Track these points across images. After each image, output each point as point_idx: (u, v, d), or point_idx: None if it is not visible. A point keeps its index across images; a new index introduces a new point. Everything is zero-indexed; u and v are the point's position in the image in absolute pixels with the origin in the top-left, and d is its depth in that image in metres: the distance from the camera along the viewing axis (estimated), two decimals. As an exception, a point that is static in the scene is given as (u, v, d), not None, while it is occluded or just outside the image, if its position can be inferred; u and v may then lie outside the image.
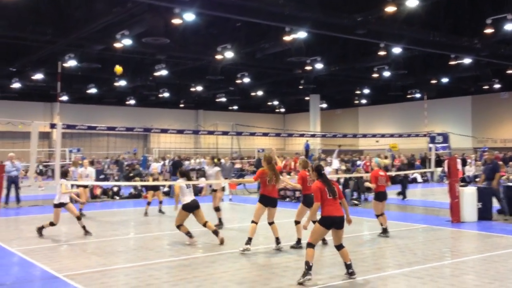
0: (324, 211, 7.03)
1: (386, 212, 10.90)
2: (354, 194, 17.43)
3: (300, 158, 12.06)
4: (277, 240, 9.19)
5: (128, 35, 19.12)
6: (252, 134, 12.43)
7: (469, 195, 12.67)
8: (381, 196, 10.72)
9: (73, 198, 11.39)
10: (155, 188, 15.42)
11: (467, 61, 25.28)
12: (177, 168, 22.11)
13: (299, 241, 9.30)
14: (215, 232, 9.88)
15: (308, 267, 6.85)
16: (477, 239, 10.77)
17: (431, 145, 14.95)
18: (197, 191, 20.72)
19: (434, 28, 19.72)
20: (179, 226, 9.88)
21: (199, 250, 9.50)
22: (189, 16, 16.86)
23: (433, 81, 32.77)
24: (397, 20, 18.41)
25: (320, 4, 17.20)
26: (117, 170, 27.01)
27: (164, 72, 27.27)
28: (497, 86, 32.78)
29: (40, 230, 10.75)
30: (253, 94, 39.24)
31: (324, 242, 9.47)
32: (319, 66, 26.19)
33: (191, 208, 9.79)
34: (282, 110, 51.53)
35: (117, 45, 20.65)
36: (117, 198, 19.30)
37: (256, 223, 9.06)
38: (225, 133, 12.61)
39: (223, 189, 13.21)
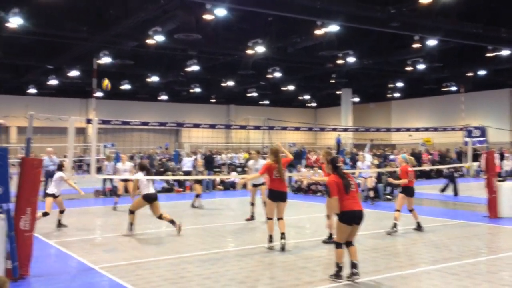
0: (342, 206, 6.66)
1: (419, 207, 10.72)
2: (387, 189, 17.18)
3: (324, 150, 11.82)
4: (282, 235, 8.78)
5: (160, 32, 19.36)
6: (284, 128, 12.38)
7: (507, 190, 12.32)
8: (409, 191, 10.51)
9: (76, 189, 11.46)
10: (200, 182, 15.36)
11: (505, 53, 24.49)
12: (209, 163, 22.39)
13: (330, 236, 9.22)
14: (172, 222, 10.37)
15: (339, 268, 6.65)
16: (516, 235, 10.47)
17: (467, 139, 14.59)
18: (229, 185, 20.95)
19: (470, 19, 19.20)
20: (131, 212, 10.38)
21: (230, 244, 9.56)
22: (221, 12, 16.91)
23: (469, 74, 31.91)
24: (432, 11, 18.01)
25: (353, -3, 17.00)
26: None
27: (195, 68, 27.50)
28: (536, 78, 31.71)
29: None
30: (284, 88, 39.11)
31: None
32: (351, 59, 25.88)
33: (151, 198, 10.28)
34: (314, 104, 51.19)
35: (150, 41, 20.95)
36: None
37: (271, 219, 8.91)
38: (257, 128, 12.58)
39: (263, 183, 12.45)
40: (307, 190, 18.67)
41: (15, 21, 17.53)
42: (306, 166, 22.85)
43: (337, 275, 6.69)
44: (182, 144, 41.15)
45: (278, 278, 6.98)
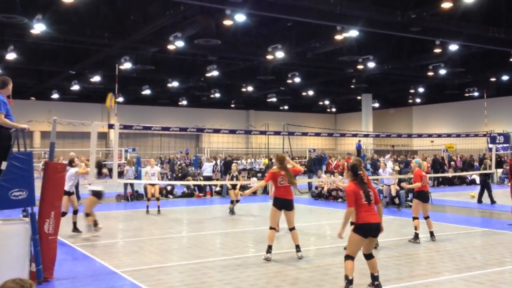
0: (359, 217, 6.30)
1: (443, 214, 10.53)
2: (409, 195, 16.97)
3: (353, 158, 11.75)
4: (297, 248, 8.44)
5: (180, 37, 19.53)
6: (304, 134, 12.37)
7: (532, 198, 12.04)
8: (423, 196, 10.26)
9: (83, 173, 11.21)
10: (234, 187, 15.12)
11: (529, 57, 24.12)
12: (228, 168, 22.39)
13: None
14: (95, 223, 10.57)
15: (348, 281, 6.25)
16: (542, 244, 10.22)
17: (491, 145, 14.35)
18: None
19: (493, 24, 18.92)
20: (87, 214, 10.45)
21: (251, 250, 9.54)
22: (240, 17, 17.00)
23: (492, 79, 31.43)
24: (454, 16, 17.82)
25: (373, 2, 16.89)
26: (169, 169, 27.59)
27: (215, 73, 27.65)
28: (562, 83, 31.06)
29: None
30: (304, 94, 39.06)
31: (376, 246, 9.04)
32: (371, 65, 25.74)
33: (101, 195, 10.56)
34: (334, 110, 50.99)
35: (170, 47, 21.16)
36: (171, 197, 19.71)
37: (274, 228, 8.50)
38: (277, 133, 12.59)
39: None
40: (328, 196, 18.56)
41: (38, 28, 17.88)
42: (326, 172, 22.74)
43: None
44: (203, 149, 41.39)
45: (299, 285, 6.93)
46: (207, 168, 21.20)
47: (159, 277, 7.34)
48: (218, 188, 20.92)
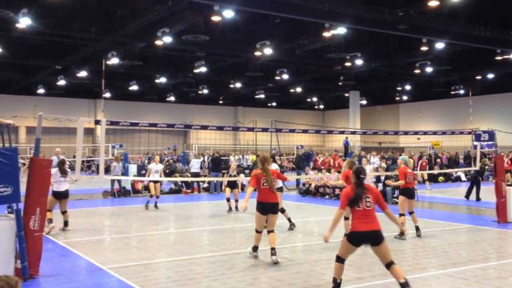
0: (351, 224, 6.06)
1: (428, 211, 10.65)
2: (395, 192, 17.11)
3: (348, 160, 11.74)
4: (272, 251, 7.97)
5: (168, 33, 19.43)
6: (292, 131, 12.41)
7: (516, 195, 12.22)
8: (408, 193, 10.41)
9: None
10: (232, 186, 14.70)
11: (514, 56, 24.40)
12: (216, 165, 22.40)
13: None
14: (65, 223, 10.78)
15: (336, 284, 6.12)
16: (525, 240, 10.39)
17: (476, 143, 14.50)
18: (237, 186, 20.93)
19: (479, 22, 19.11)
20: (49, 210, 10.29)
21: (239, 246, 9.56)
22: (229, 13, 16.95)
23: (478, 77, 31.76)
24: (441, 14, 17.96)
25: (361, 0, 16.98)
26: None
27: (203, 69, 27.58)
28: (546, 81, 31.48)
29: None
30: (292, 90, 39.13)
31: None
32: (359, 62, 25.85)
33: (60, 195, 10.59)
34: (321, 106, 51.15)
35: (158, 42, 21.05)
36: (158, 193, 19.62)
37: (260, 232, 8.18)
38: (264, 130, 12.61)
39: (280, 189, 11.31)
40: (315, 193, 18.65)
41: (24, 22, 17.65)
42: (314, 168, 22.82)
43: None
44: (190, 145, 41.30)
45: (286, 281, 6.97)
46: (195, 165, 21.16)
47: (146, 274, 7.33)
48: (205, 185, 20.90)
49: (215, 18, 17.28)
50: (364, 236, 5.94)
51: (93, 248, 9.22)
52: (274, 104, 48.49)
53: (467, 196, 17.13)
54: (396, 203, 16.33)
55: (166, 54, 26.59)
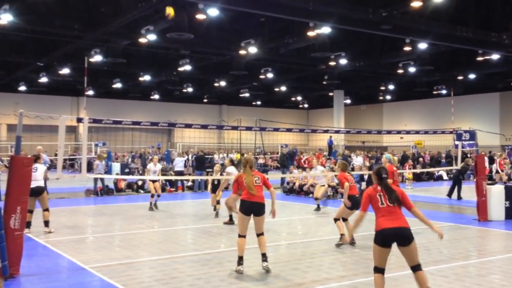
0: (376, 224, 5.63)
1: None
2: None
3: (339, 161, 11.78)
4: (263, 257, 7.40)
5: (152, 31, 19.31)
6: (276, 129, 12.43)
7: (496, 194, 12.42)
8: None
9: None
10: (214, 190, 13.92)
11: (495, 57, 24.77)
12: (200, 163, 22.31)
13: (341, 236, 9.14)
14: (46, 223, 10.40)
15: None
16: (505, 238, 10.56)
17: (457, 142, 14.70)
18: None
19: (461, 23, 19.37)
20: (30, 211, 9.90)
21: (222, 245, 9.55)
22: (213, 12, 16.93)
23: (460, 78, 32.20)
24: (423, 15, 18.16)
25: (345, -1, 17.10)
26: (140, 164, 27.30)
27: (188, 67, 27.48)
28: (526, 82, 32.04)
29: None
30: (276, 89, 39.20)
31: (353, 242, 9.03)
32: (343, 61, 26.01)
33: (34, 192, 9.62)
34: (306, 105, 51.35)
35: (142, 40, 20.90)
36: (142, 191, 19.53)
37: (243, 236, 7.38)
38: (248, 129, 12.60)
39: None
40: (299, 191, 18.71)
41: (5, 18, 17.41)
42: (298, 167, 22.92)
43: None
44: (175, 144, 41.12)
45: (268, 280, 6.98)
46: (179, 163, 21.07)
47: (129, 273, 7.28)
48: (190, 183, 20.83)
49: (200, 16, 17.22)
50: (390, 234, 5.49)
51: (75, 247, 9.13)
52: (258, 102, 48.54)
53: (449, 194, 17.36)
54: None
55: (150, 52, 26.44)
